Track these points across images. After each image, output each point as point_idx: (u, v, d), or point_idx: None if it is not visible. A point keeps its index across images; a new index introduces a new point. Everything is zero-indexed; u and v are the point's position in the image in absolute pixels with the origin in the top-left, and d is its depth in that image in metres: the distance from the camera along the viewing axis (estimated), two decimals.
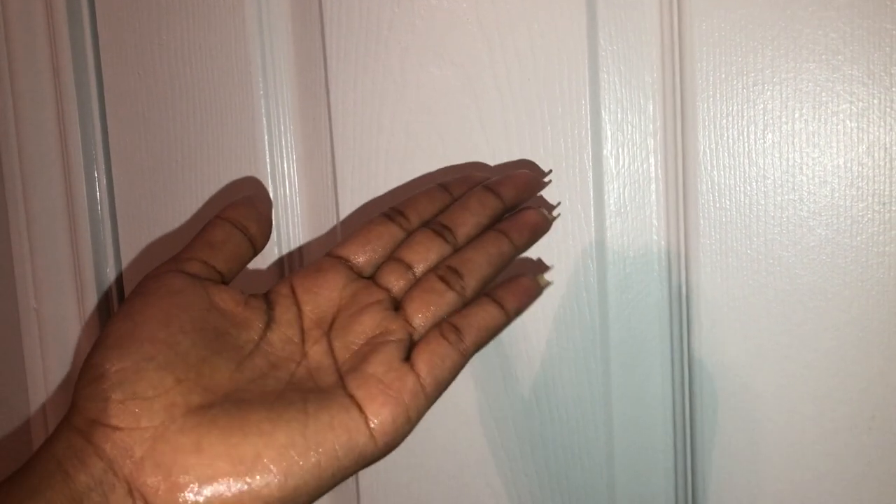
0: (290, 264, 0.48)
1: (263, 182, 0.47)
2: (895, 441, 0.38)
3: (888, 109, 0.37)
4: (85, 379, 0.31)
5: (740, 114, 0.39)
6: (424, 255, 0.36)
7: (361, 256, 0.36)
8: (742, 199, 0.39)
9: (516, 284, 0.36)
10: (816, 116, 0.38)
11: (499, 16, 0.41)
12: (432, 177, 0.44)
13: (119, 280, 0.52)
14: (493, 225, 0.37)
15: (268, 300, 0.35)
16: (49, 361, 0.54)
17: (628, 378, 0.42)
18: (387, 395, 0.31)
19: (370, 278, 0.36)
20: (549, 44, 0.41)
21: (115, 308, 0.53)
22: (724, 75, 0.39)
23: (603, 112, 0.41)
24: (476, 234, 0.36)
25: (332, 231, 0.46)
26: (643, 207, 0.41)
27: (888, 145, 0.37)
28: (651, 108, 0.40)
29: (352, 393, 0.31)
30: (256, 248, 0.36)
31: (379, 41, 0.44)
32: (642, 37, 0.40)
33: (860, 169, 0.38)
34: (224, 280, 0.35)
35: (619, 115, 0.41)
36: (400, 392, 0.31)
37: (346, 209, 0.45)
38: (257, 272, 0.48)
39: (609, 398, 0.42)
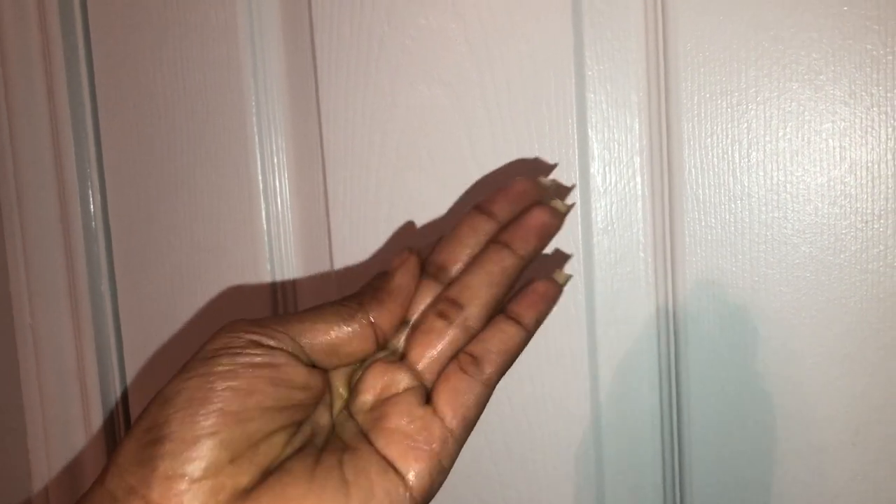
0: (283, 282, 0.48)
1: (255, 199, 0.47)
2: (879, 457, 0.38)
3: (869, 129, 0.37)
4: (138, 437, 0.28)
5: (725, 133, 0.39)
6: (418, 305, 0.33)
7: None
8: (727, 217, 0.40)
9: (531, 293, 0.33)
10: (800, 135, 0.38)
11: (487, 36, 0.42)
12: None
13: (114, 295, 0.53)
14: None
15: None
16: (44, 376, 0.54)
17: (616, 395, 0.42)
18: (416, 448, 0.30)
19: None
20: (536, 63, 0.41)
21: (109, 320, 0.53)
22: (708, 95, 0.39)
23: (590, 131, 0.41)
24: (469, 259, 0.33)
25: (324, 248, 0.47)
26: (630, 225, 0.41)
27: (870, 164, 0.38)
28: (637, 127, 0.41)
29: (383, 453, 0.30)
30: (380, 344, 0.33)
31: (370, 60, 0.44)
32: (628, 56, 0.41)
33: (843, 187, 0.38)
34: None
35: (605, 134, 0.41)
36: (428, 442, 0.30)
37: (338, 226, 0.46)
38: (248, 287, 0.48)
39: (598, 414, 0.42)
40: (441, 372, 0.32)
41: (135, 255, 0.51)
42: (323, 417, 0.31)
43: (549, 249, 0.42)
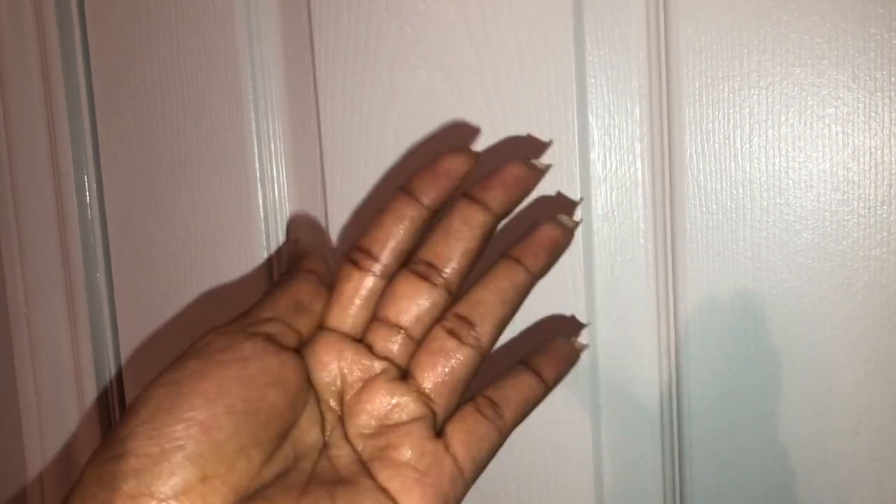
0: (280, 270, 0.48)
1: (252, 187, 0.47)
2: (882, 446, 0.38)
3: (873, 114, 0.37)
4: (103, 453, 0.26)
5: (726, 118, 0.39)
6: (411, 307, 0.30)
7: (346, 320, 0.31)
8: (728, 203, 0.39)
9: (553, 351, 0.32)
10: (802, 121, 0.38)
11: (486, 21, 0.42)
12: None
13: (110, 285, 0.52)
14: (488, 241, 0.31)
15: None
16: (39, 366, 0.54)
17: (616, 382, 0.42)
18: (424, 484, 0.27)
19: (363, 340, 0.31)
20: (536, 49, 0.41)
21: (104, 310, 0.53)
22: (710, 79, 0.39)
23: (590, 116, 0.41)
24: (468, 263, 0.31)
25: (321, 237, 0.46)
26: (630, 211, 0.41)
27: (873, 149, 0.37)
28: (638, 113, 0.40)
29: (384, 485, 0.27)
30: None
31: (367, 46, 0.44)
32: (629, 41, 0.40)
33: (846, 173, 0.38)
34: (300, 344, 0.30)
35: (606, 120, 0.41)
36: (438, 479, 0.28)
37: (336, 214, 0.45)
38: (246, 278, 0.48)
39: (597, 402, 0.42)
40: (450, 394, 0.30)
41: (131, 244, 0.51)
42: (309, 436, 0.29)
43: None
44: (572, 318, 0.41)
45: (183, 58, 0.48)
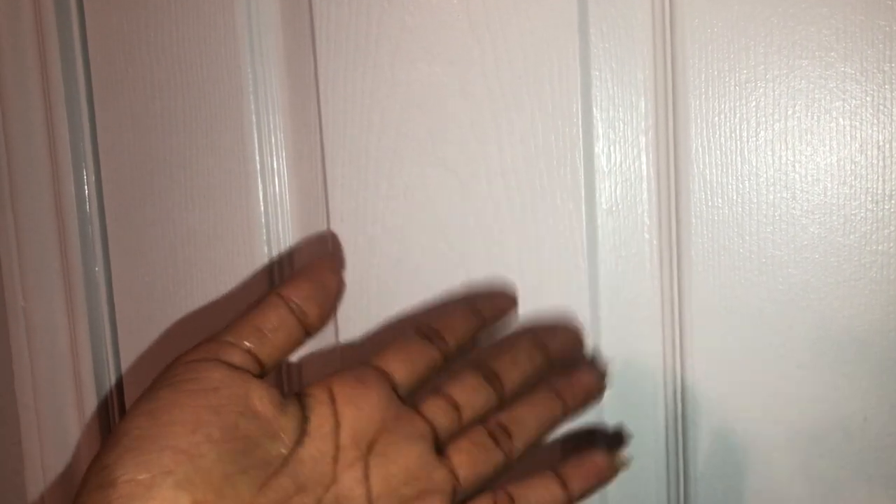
0: (280, 266, 0.47)
1: (252, 180, 0.47)
2: (888, 442, 0.38)
3: (881, 107, 0.36)
4: (91, 482, 0.26)
5: (733, 111, 0.38)
6: (473, 398, 0.33)
7: (402, 372, 0.32)
8: (734, 197, 0.39)
9: (589, 463, 0.33)
10: (809, 114, 0.37)
11: (489, 12, 0.41)
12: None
13: (108, 279, 0.52)
14: (553, 427, 0.35)
15: (303, 405, 0.30)
16: (37, 360, 0.54)
17: (620, 378, 0.41)
18: None
19: (410, 401, 0.32)
20: (539, 40, 0.40)
21: (103, 303, 0.52)
22: (716, 72, 0.38)
23: (594, 109, 0.40)
24: (520, 386, 0.34)
25: (323, 231, 0.46)
26: (635, 205, 0.41)
27: (881, 143, 0.37)
28: (643, 106, 0.40)
29: None
30: (310, 334, 0.32)
31: (369, 38, 0.43)
32: (634, 33, 0.40)
33: (853, 167, 0.37)
34: (263, 372, 0.30)
35: (610, 113, 0.40)
36: None
37: (336, 207, 0.45)
38: (246, 271, 0.47)
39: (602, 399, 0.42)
40: (473, 483, 0.32)
41: (129, 237, 0.50)
42: (314, 470, 0.29)
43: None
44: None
45: (182, 49, 0.47)
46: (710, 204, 0.39)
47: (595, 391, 0.36)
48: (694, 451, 0.41)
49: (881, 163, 0.37)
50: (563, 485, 0.32)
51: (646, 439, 0.42)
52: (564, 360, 0.37)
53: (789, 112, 0.38)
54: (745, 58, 0.38)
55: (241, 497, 0.27)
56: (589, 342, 0.41)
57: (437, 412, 0.32)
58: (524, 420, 0.33)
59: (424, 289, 0.44)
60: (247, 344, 0.30)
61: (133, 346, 0.51)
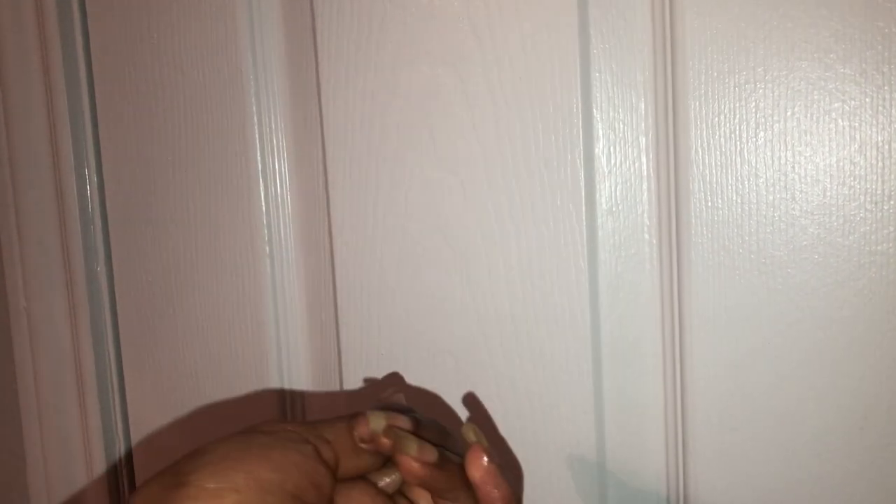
0: (281, 266, 0.47)
1: (254, 181, 0.47)
2: (887, 441, 0.38)
3: (880, 108, 0.37)
4: (163, 481, 0.30)
5: (732, 112, 0.39)
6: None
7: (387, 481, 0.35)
8: (734, 198, 0.39)
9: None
10: (808, 115, 0.38)
11: (490, 15, 0.41)
12: None
13: (110, 279, 0.52)
14: None
15: None
16: (39, 360, 0.54)
17: (620, 377, 0.42)
18: None
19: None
20: (540, 42, 0.41)
21: (105, 303, 0.53)
22: (716, 73, 0.39)
23: (595, 110, 0.41)
24: None
25: (323, 230, 0.46)
26: (635, 206, 0.41)
27: (880, 144, 0.37)
28: (643, 107, 0.40)
29: None
30: (368, 476, 0.35)
31: (370, 40, 0.44)
32: (634, 35, 0.40)
33: (852, 168, 0.37)
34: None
35: (610, 114, 0.41)
36: None
37: (338, 208, 0.45)
38: (248, 272, 0.48)
39: (601, 397, 0.42)
40: None
41: (131, 237, 0.50)
42: None
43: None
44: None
45: (184, 52, 0.48)
46: (709, 204, 0.39)
47: None
48: (693, 450, 0.41)
49: (880, 164, 0.37)
50: None
51: (646, 438, 0.42)
52: None
53: (789, 113, 0.38)
54: (745, 59, 0.38)
55: None
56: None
57: None
58: None
59: (425, 289, 0.44)
60: (343, 455, 0.33)
61: (135, 346, 0.51)
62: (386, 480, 0.35)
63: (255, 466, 0.30)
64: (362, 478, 0.35)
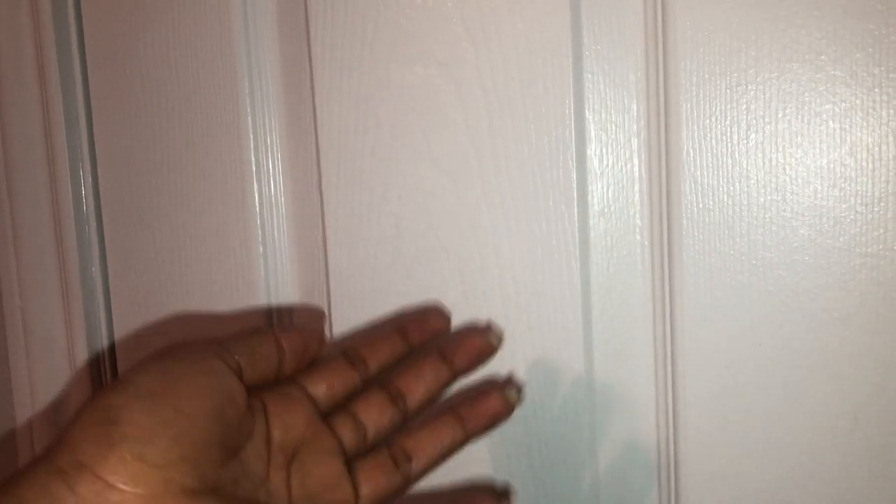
0: (275, 266, 0.48)
1: (248, 181, 0.47)
2: (878, 442, 0.38)
3: (871, 110, 0.37)
4: (93, 417, 0.30)
5: (724, 114, 0.39)
6: (377, 418, 0.38)
7: (323, 393, 0.37)
8: (725, 200, 0.39)
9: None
10: (799, 117, 0.38)
11: (483, 15, 0.41)
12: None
13: (105, 279, 0.52)
14: (445, 389, 0.39)
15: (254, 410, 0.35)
16: (34, 360, 0.54)
17: (612, 378, 0.42)
18: None
19: (326, 415, 0.37)
20: (533, 43, 0.41)
21: (99, 303, 0.53)
22: (707, 75, 0.39)
23: (587, 111, 0.41)
24: (425, 401, 0.38)
25: (317, 231, 0.46)
26: (627, 207, 0.41)
27: (871, 146, 0.37)
28: (635, 108, 0.40)
29: None
30: (279, 378, 0.37)
31: (364, 40, 0.44)
32: (626, 36, 0.40)
33: (843, 170, 0.37)
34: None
35: (602, 115, 0.41)
36: None
37: (331, 209, 0.45)
38: (241, 273, 0.48)
39: (592, 398, 0.42)
40: (375, 499, 0.36)
41: (126, 237, 0.51)
42: (253, 466, 0.34)
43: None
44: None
45: (179, 52, 0.48)
46: (701, 206, 0.39)
47: (501, 415, 0.39)
48: (685, 452, 0.41)
49: (871, 165, 0.37)
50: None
51: (637, 439, 0.42)
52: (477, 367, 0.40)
53: (780, 115, 0.38)
54: (737, 61, 0.38)
55: (213, 465, 0.31)
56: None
57: (345, 429, 0.37)
58: (425, 447, 0.37)
59: (419, 290, 0.44)
60: (242, 358, 0.35)
61: (129, 346, 0.52)
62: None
63: (181, 397, 0.31)
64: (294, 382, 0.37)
